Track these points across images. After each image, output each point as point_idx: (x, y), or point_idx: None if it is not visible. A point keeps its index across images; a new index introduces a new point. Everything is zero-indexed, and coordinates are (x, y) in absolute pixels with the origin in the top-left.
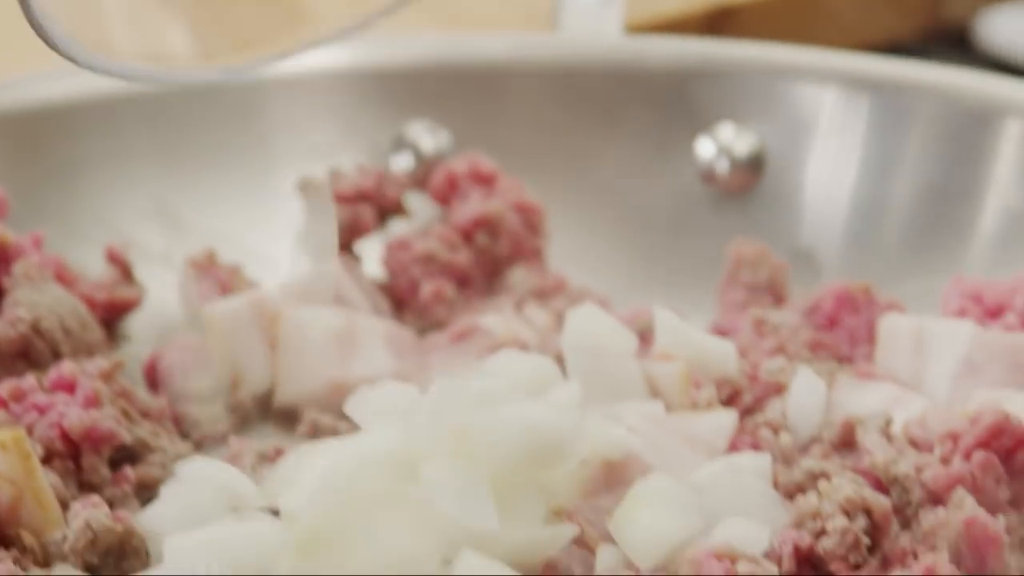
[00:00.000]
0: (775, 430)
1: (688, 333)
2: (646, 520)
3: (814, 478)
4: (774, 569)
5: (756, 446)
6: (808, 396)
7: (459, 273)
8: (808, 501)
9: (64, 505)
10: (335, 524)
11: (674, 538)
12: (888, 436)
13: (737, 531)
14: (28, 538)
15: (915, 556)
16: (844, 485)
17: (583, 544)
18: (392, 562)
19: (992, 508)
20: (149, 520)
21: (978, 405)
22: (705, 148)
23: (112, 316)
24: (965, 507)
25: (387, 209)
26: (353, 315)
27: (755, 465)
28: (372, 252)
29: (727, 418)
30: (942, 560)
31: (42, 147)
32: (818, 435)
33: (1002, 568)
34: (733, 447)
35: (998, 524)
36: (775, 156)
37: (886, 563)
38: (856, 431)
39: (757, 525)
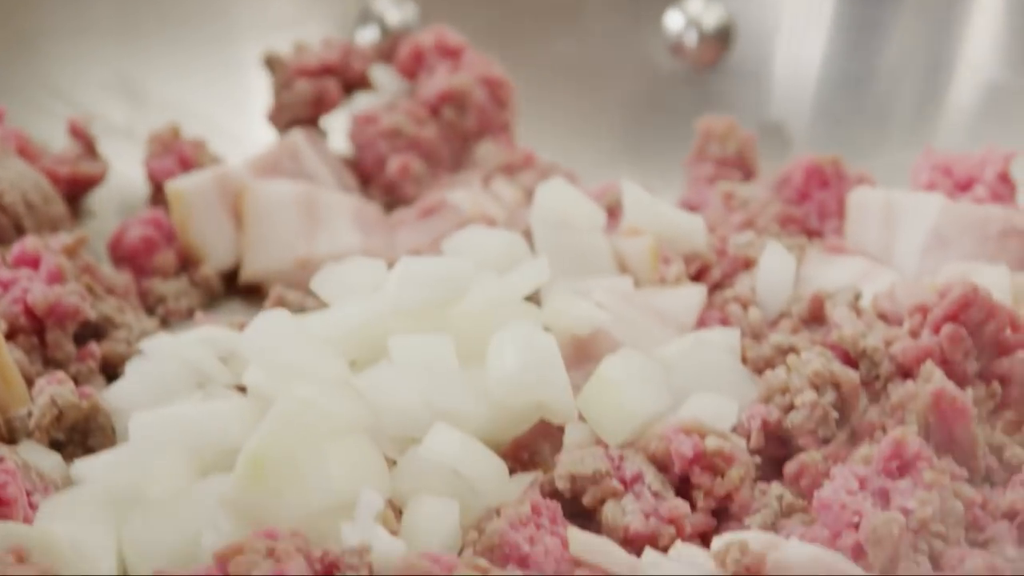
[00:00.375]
0: (744, 305)
1: (656, 208)
2: (614, 396)
3: (783, 353)
4: (742, 444)
5: (725, 321)
6: (777, 271)
7: (426, 148)
8: (776, 376)
9: (29, 382)
10: (284, 454)
11: (642, 414)
12: (857, 310)
13: (706, 406)
14: None
15: (883, 430)
16: (813, 359)
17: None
18: (339, 493)
19: (961, 381)
20: (115, 396)
21: (947, 278)
22: (674, 20)
23: (76, 191)
24: (934, 380)
25: (353, 83)
26: (319, 190)
27: (724, 340)
28: (338, 126)
29: (696, 293)
30: (910, 433)
31: (1, 18)
32: (787, 310)
33: (970, 440)
34: (702, 323)
35: (966, 397)
36: (744, 28)
37: (855, 437)
38: (825, 305)
39: (726, 400)
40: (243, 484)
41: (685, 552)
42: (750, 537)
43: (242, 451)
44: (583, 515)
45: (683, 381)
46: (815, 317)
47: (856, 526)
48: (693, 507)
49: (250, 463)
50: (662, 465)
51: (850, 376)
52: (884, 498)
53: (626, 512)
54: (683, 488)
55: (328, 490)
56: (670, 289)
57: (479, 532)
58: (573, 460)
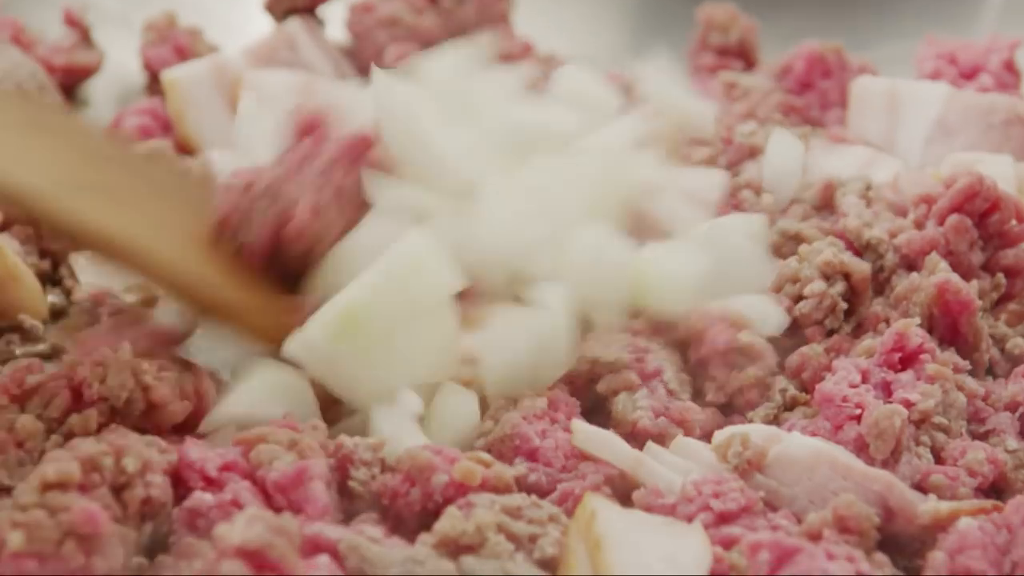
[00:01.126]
0: (756, 191)
1: (672, 91)
2: (655, 278)
3: (788, 239)
4: (770, 348)
5: (739, 207)
6: (785, 157)
7: (424, 37)
8: (788, 265)
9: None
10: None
11: (682, 296)
12: (868, 200)
13: (753, 306)
14: (27, 321)
15: (887, 322)
16: (824, 248)
17: None
18: (414, 376)
19: (965, 272)
20: None
21: (951, 168)
22: None
23: (71, 80)
24: (938, 271)
25: None
26: (317, 80)
27: (749, 226)
28: (336, 15)
29: (719, 175)
30: (913, 325)
31: None
32: (798, 196)
33: (974, 332)
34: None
35: (971, 288)
36: None
37: (860, 328)
38: (835, 193)
39: (775, 307)
40: (332, 335)
41: (686, 445)
42: (751, 430)
43: (341, 302)
44: (601, 406)
45: (710, 266)
46: (826, 204)
47: (858, 419)
48: (703, 397)
49: (345, 316)
50: (686, 346)
51: (861, 267)
52: (886, 391)
53: (637, 407)
54: (698, 372)
55: (408, 370)
56: (694, 169)
57: (495, 422)
58: (600, 343)
